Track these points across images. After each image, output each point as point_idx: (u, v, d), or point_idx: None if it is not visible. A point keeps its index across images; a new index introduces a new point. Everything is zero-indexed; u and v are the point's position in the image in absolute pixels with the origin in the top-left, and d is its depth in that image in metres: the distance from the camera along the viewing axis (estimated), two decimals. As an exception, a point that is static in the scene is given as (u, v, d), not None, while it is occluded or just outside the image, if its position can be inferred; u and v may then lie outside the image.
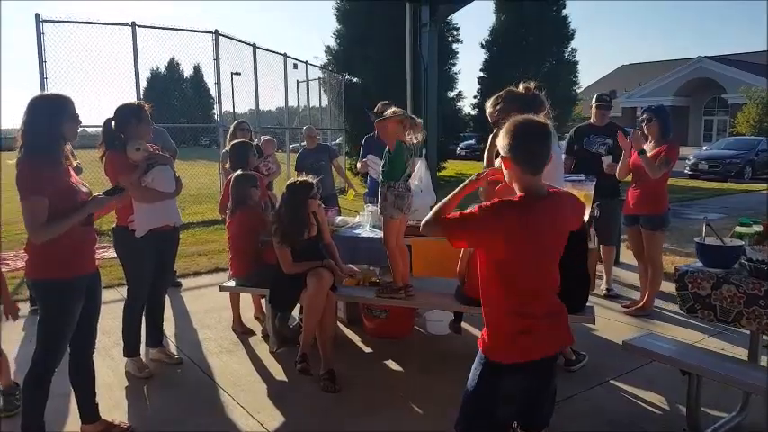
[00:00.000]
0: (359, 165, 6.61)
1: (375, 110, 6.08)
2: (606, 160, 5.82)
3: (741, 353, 3.93)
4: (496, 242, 2.27)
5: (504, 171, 2.41)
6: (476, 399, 2.44)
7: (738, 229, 3.63)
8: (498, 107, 3.66)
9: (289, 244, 4.35)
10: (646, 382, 4.14)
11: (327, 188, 6.87)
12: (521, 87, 3.70)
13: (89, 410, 3.50)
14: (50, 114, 3.09)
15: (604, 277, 6.24)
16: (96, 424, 3.50)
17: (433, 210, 2.48)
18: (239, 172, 5.00)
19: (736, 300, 3.18)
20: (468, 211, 2.33)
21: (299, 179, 4.50)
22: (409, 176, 4.27)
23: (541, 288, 2.38)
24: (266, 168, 6.46)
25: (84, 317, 3.27)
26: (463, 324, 4.85)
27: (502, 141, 2.35)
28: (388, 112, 4.18)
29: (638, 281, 5.90)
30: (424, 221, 2.46)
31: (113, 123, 4.06)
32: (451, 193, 2.54)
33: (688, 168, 20.99)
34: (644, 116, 5.47)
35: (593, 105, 6.26)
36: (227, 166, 5.55)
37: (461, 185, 2.61)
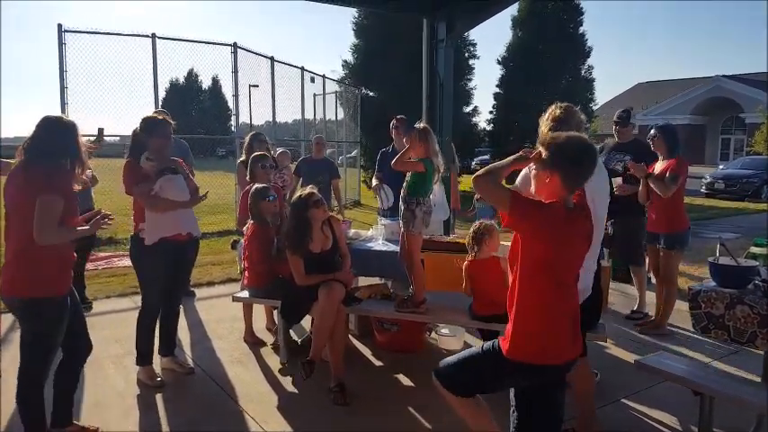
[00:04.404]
0: (374, 180, 6.62)
1: (391, 125, 6.15)
2: (616, 181, 5.49)
3: (755, 374, 3.89)
4: (537, 233, 2.42)
5: (538, 178, 2.50)
6: (474, 369, 2.65)
7: (753, 249, 3.61)
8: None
9: (300, 254, 4.37)
10: (657, 401, 4.10)
11: None
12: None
13: (64, 414, 3.50)
14: (61, 136, 3.19)
15: (638, 300, 6.11)
16: (69, 428, 3.51)
17: (486, 169, 2.51)
18: (256, 185, 5.03)
19: (750, 320, 3.16)
20: (536, 199, 2.48)
21: (301, 192, 4.51)
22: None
23: (572, 286, 2.50)
24: (281, 180, 6.51)
25: (80, 326, 3.38)
26: (472, 338, 4.85)
27: (552, 153, 2.42)
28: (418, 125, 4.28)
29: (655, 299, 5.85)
30: (482, 174, 2.48)
31: (136, 133, 4.20)
32: (502, 163, 2.57)
33: (704, 187, 20.83)
34: (651, 133, 5.50)
35: (613, 122, 6.06)
36: (248, 177, 5.56)
37: (511, 158, 2.61)
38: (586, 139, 2.52)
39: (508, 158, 2.60)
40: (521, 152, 2.58)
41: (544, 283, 2.43)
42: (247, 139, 6.52)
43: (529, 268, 2.45)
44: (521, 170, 3.04)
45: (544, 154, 2.44)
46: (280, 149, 7.27)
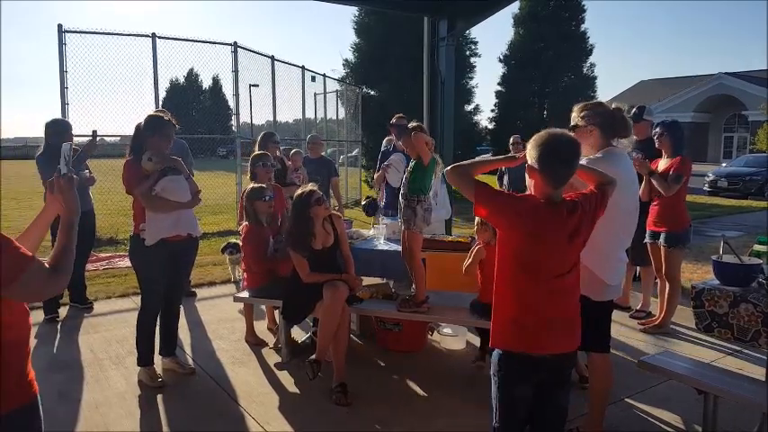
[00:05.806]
0: (375, 177, 6.59)
1: (391, 122, 6.13)
2: None
3: (759, 372, 3.86)
4: (509, 226, 2.46)
5: (528, 178, 2.53)
6: (503, 407, 2.56)
7: (756, 247, 3.58)
8: (583, 114, 3.31)
9: (303, 253, 4.36)
10: (661, 400, 4.08)
11: None
12: (612, 105, 3.36)
13: None
14: None
15: (641, 299, 6.08)
16: None
17: (466, 162, 2.60)
18: (252, 185, 5.01)
19: (754, 319, 3.14)
20: (500, 189, 2.57)
21: (302, 190, 4.50)
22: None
23: (551, 282, 2.45)
24: (298, 179, 6.46)
25: None
26: (474, 338, 4.82)
27: (530, 151, 2.46)
28: (413, 124, 4.25)
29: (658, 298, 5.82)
30: (453, 165, 2.58)
31: (139, 131, 4.15)
32: (488, 159, 2.70)
33: (707, 185, 20.75)
34: (656, 130, 5.42)
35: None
36: (249, 177, 5.50)
37: (499, 157, 2.76)
38: (569, 135, 2.55)
39: (497, 157, 2.71)
40: (519, 154, 2.68)
41: (513, 270, 2.46)
42: (260, 138, 6.35)
43: (503, 258, 2.51)
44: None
45: (528, 152, 2.48)
46: (293, 150, 7.23)
